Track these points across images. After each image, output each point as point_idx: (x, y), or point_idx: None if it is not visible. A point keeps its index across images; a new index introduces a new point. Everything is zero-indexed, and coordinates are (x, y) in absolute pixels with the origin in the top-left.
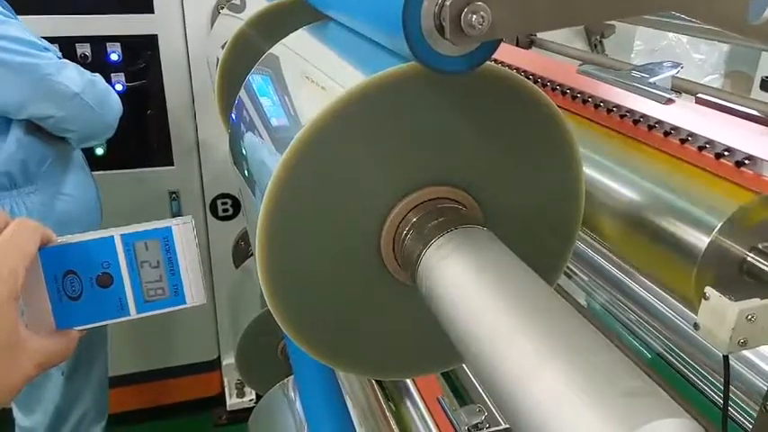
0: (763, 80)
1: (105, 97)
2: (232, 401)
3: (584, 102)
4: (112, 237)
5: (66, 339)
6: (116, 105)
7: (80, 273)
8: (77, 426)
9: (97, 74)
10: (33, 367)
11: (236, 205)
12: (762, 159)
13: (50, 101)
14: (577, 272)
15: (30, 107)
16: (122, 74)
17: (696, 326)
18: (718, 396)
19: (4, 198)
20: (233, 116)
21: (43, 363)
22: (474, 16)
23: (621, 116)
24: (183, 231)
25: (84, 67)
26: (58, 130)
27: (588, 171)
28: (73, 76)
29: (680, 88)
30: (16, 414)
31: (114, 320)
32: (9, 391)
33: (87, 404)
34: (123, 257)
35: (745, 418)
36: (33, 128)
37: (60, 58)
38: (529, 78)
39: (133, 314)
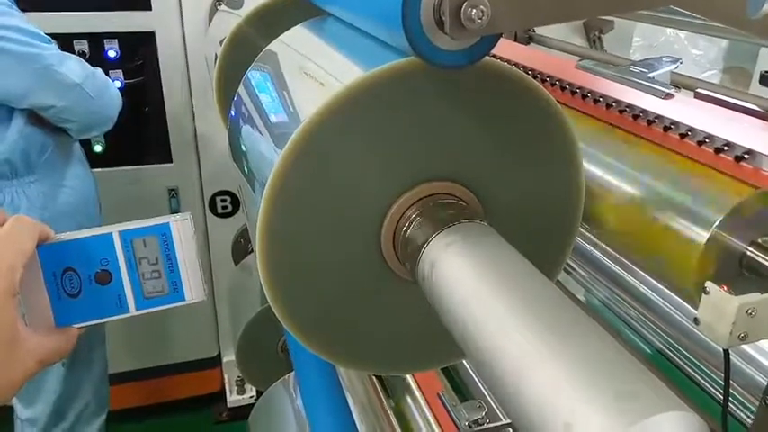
0: (762, 75)
1: (105, 89)
2: (232, 398)
3: (584, 97)
4: (111, 234)
5: (66, 336)
6: (116, 98)
7: (79, 270)
8: (78, 418)
9: (98, 67)
10: (33, 364)
11: (236, 202)
12: (761, 154)
13: (52, 90)
14: (576, 267)
15: (31, 96)
16: (120, 71)
17: (696, 320)
18: (718, 391)
19: (5, 188)
20: (232, 113)
21: (43, 360)
22: (473, 10)
23: (621, 111)
24: (182, 228)
25: None
26: (59, 121)
27: (588, 166)
28: (74, 67)
29: (679, 84)
30: (17, 406)
31: (113, 317)
32: (9, 388)
33: (88, 396)
34: (122, 254)
35: (744, 414)
36: (35, 118)
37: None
38: (528, 74)
39: (132, 311)
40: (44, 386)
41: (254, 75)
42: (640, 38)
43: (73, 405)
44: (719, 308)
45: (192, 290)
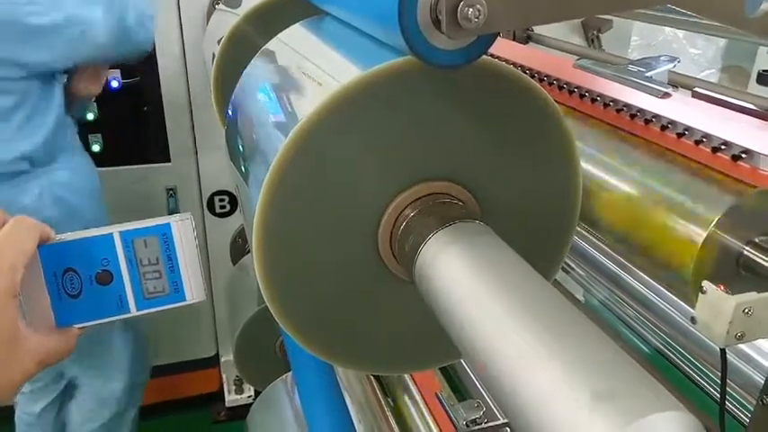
0: (760, 74)
1: (137, 28)
2: (231, 398)
3: (582, 96)
4: (111, 234)
5: (66, 337)
6: (150, 30)
7: (79, 270)
8: (140, 388)
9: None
10: (33, 365)
11: (234, 202)
12: (758, 153)
13: (88, 50)
14: (575, 267)
15: (71, 62)
16: (118, 70)
17: (693, 320)
18: (716, 390)
19: (41, 176)
20: (229, 112)
21: (43, 360)
22: (470, 9)
23: (618, 110)
24: (183, 228)
25: None
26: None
27: (585, 165)
28: (99, 18)
29: (677, 83)
30: (94, 386)
31: (114, 318)
32: (9, 388)
33: (144, 363)
34: (122, 255)
35: (742, 412)
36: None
37: None
38: (526, 73)
39: (133, 311)
40: (120, 363)
41: (251, 73)
42: (638, 37)
43: (138, 374)
44: (716, 307)
45: (193, 290)
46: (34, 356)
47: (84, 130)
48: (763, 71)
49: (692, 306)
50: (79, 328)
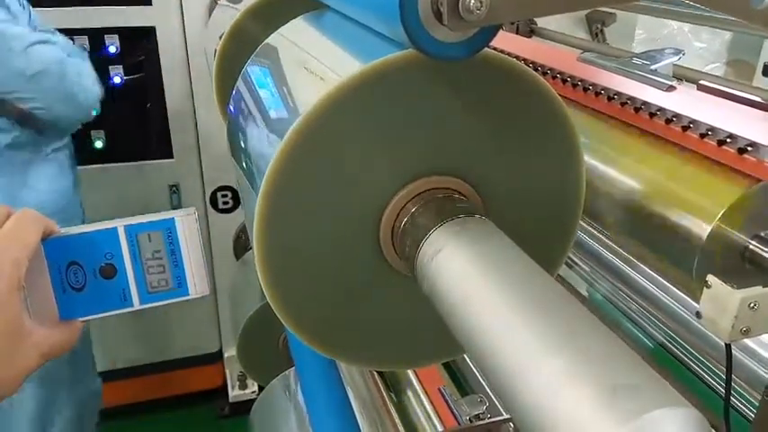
0: (765, 66)
1: (78, 78)
2: (234, 393)
3: (585, 90)
4: (116, 228)
5: (70, 330)
6: (91, 89)
7: (83, 264)
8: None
9: (78, 57)
10: (37, 357)
11: (237, 198)
12: (764, 146)
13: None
14: (578, 261)
15: None
16: (120, 66)
17: (698, 314)
18: (720, 385)
19: None
20: (231, 107)
21: (47, 353)
22: (472, 1)
23: (622, 104)
24: (187, 223)
25: None
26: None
27: (589, 159)
28: (43, 52)
29: (682, 76)
30: None
31: (117, 311)
32: (13, 381)
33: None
34: (126, 249)
35: (747, 408)
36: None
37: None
38: (529, 66)
39: (136, 305)
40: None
41: (252, 69)
42: (643, 30)
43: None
44: (721, 301)
45: (197, 285)
46: (38, 349)
47: (87, 126)
48: None
49: (697, 301)
50: (82, 322)
